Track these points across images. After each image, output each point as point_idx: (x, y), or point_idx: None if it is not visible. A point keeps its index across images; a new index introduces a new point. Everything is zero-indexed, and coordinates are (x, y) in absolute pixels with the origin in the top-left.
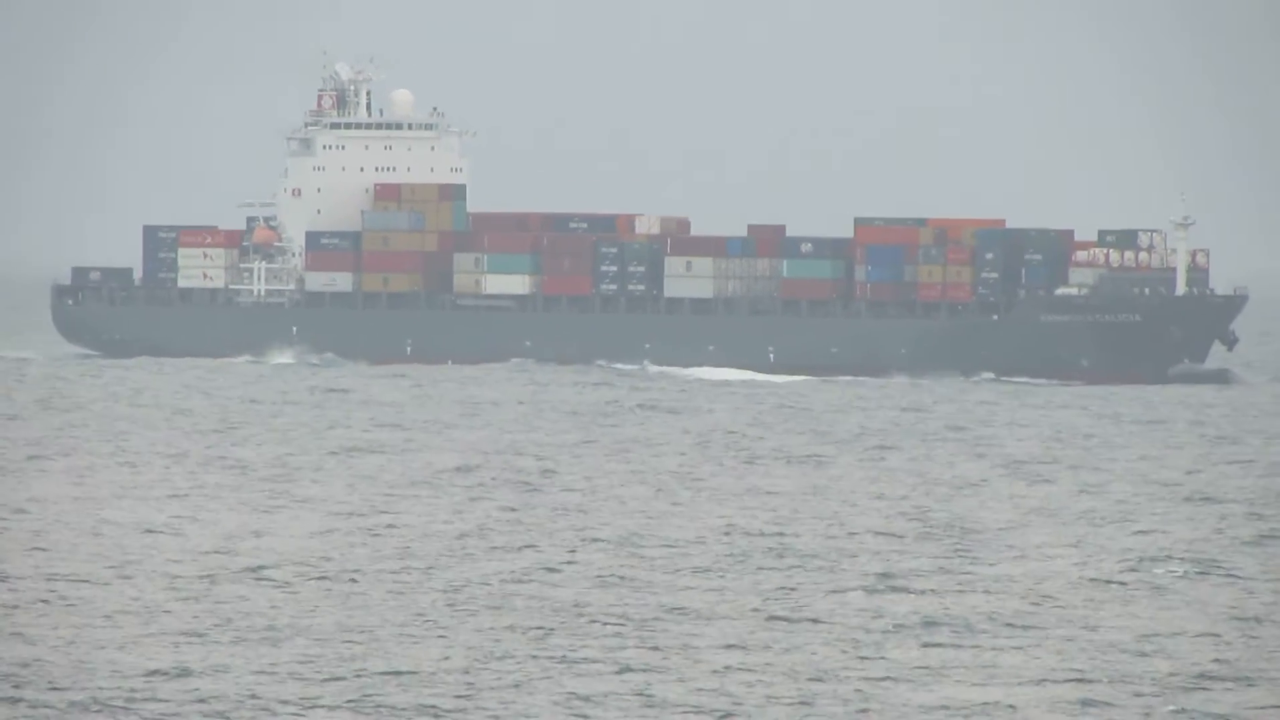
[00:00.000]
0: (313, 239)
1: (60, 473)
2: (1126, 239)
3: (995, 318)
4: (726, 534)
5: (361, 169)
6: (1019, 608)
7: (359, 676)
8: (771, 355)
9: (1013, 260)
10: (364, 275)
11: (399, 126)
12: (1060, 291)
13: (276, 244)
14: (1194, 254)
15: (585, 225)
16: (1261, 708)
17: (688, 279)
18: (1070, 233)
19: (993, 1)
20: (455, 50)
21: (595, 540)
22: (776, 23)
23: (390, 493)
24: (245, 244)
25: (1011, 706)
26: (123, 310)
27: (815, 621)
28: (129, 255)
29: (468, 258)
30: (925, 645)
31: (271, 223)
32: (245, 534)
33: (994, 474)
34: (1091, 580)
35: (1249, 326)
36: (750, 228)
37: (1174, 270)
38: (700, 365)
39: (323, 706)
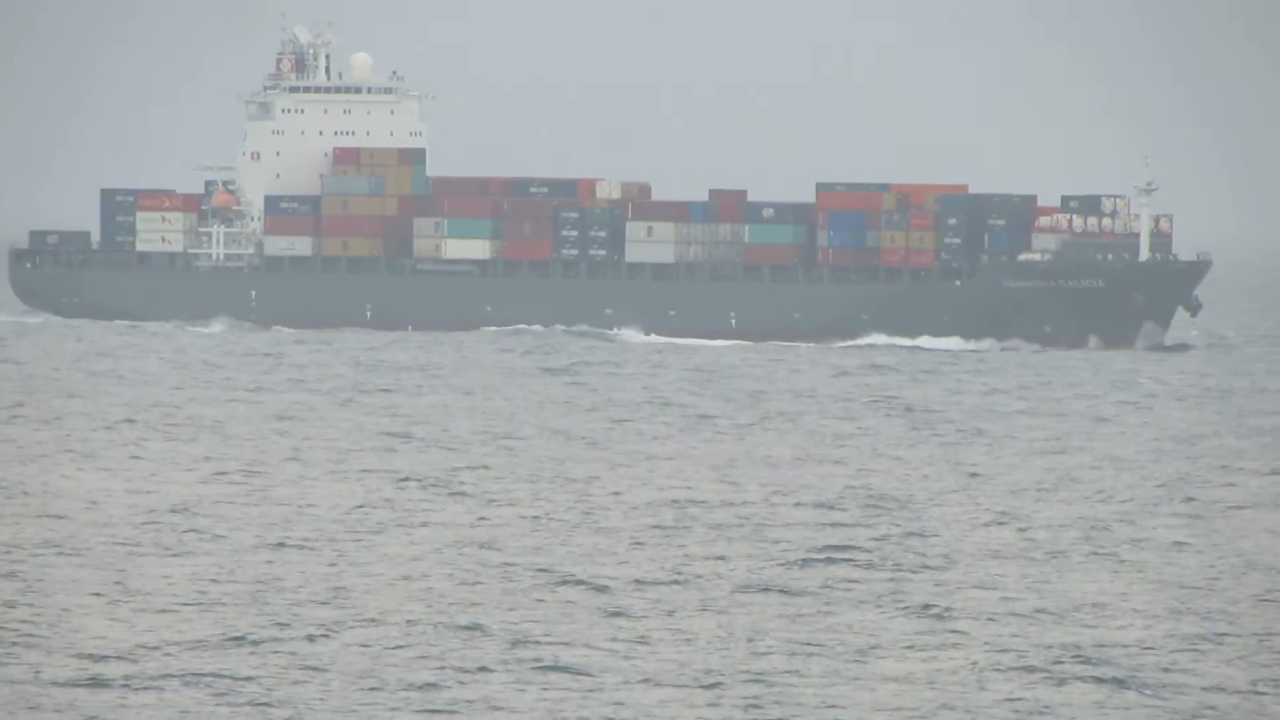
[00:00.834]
0: (271, 203)
1: None
2: (1090, 205)
3: (958, 283)
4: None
5: (320, 133)
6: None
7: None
8: (733, 321)
9: (976, 226)
10: (323, 240)
11: (358, 90)
12: (1023, 257)
13: (235, 208)
14: (1157, 220)
15: (546, 190)
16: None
17: (649, 244)
18: (1033, 198)
19: None
20: (414, 13)
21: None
22: None
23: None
24: (204, 208)
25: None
26: (81, 274)
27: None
28: (87, 219)
29: (427, 222)
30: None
31: (230, 186)
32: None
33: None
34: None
35: (1214, 293)
36: (712, 193)
37: (1137, 236)
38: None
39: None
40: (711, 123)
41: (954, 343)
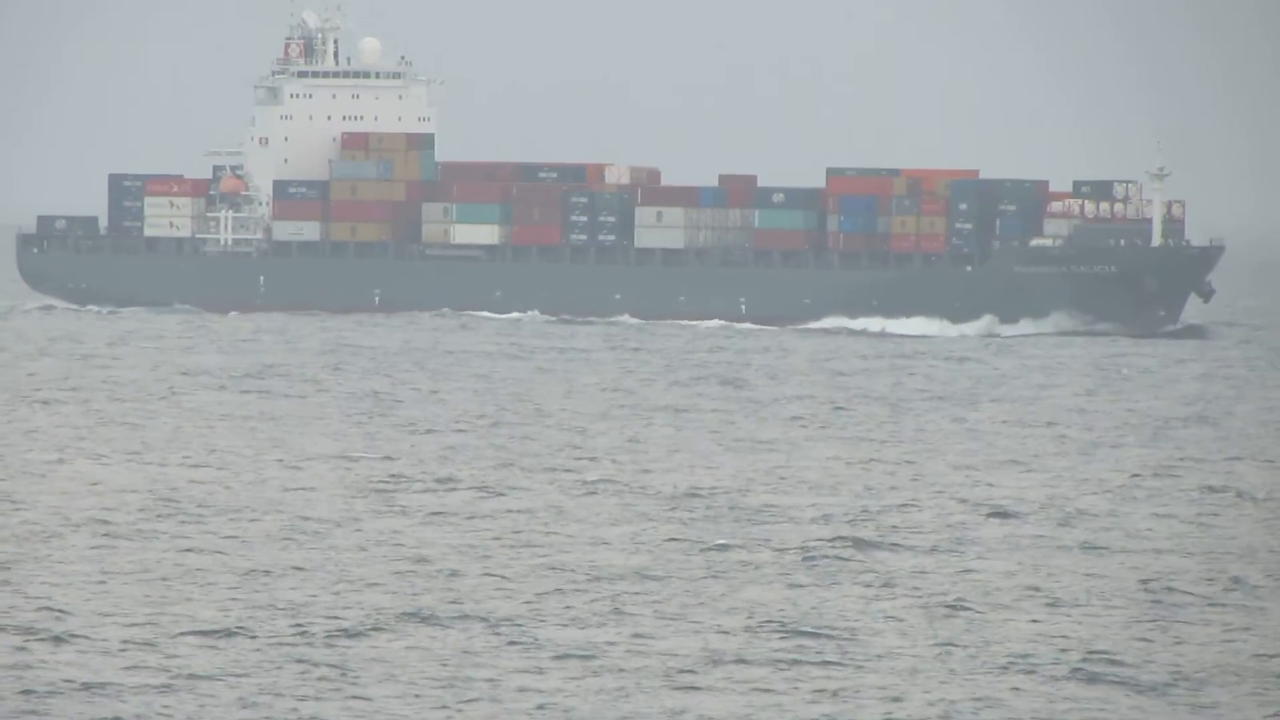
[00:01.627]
0: (280, 188)
1: None
2: (1102, 190)
3: (969, 269)
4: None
5: (329, 118)
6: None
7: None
8: (743, 306)
9: (987, 211)
10: (331, 225)
11: (367, 75)
12: (1035, 243)
13: (243, 193)
14: (1169, 205)
15: (555, 175)
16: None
17: (659, 229)
18: (1045, 183)
19: None
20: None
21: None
22: None
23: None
24: (212, 193)
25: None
26: (88, 259)
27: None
28: (95, 204)
29: (436, 207)
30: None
31: (238, 172)
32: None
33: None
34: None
35: (1227, 279)
36: (721, 178)
37: (1149, 221)
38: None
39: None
40: (720, 109)
41: (966, 327)
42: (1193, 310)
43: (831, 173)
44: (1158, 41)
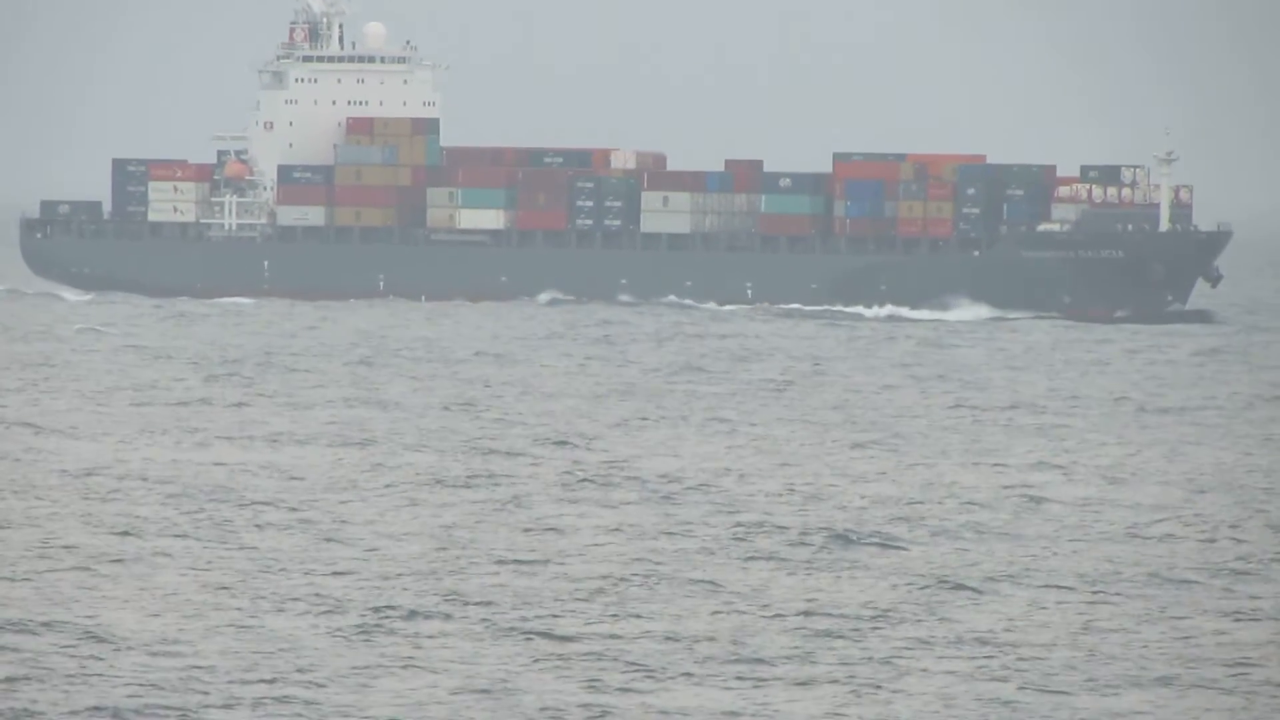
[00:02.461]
0: (285, 173)
1: None
2: (1109, 175)
3: (976, 254)
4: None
5: (334, 102)
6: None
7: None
8: (749, 291)
9: (994, 196)
10: (336, 210)
11: (371, 60)
12: (1042, 228)
13: (248, 178)
14: (1177, 190)
15: (560, 160)
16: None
17: (665, 214)
18: (1052, 168)
19: None
20: None
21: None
22: None
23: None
24: (216, 177)
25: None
26: (92, 244)
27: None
28: (98, 188)
29: (441, 192)
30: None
31: (243, 156)
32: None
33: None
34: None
35: (1236, 263)
36: (728, 163)
37: (1157, 206)
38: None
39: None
40: (727, 93)
41: (974, 312)
42: (1203, 296)
43: (838, 158)
44: (1167, 25)
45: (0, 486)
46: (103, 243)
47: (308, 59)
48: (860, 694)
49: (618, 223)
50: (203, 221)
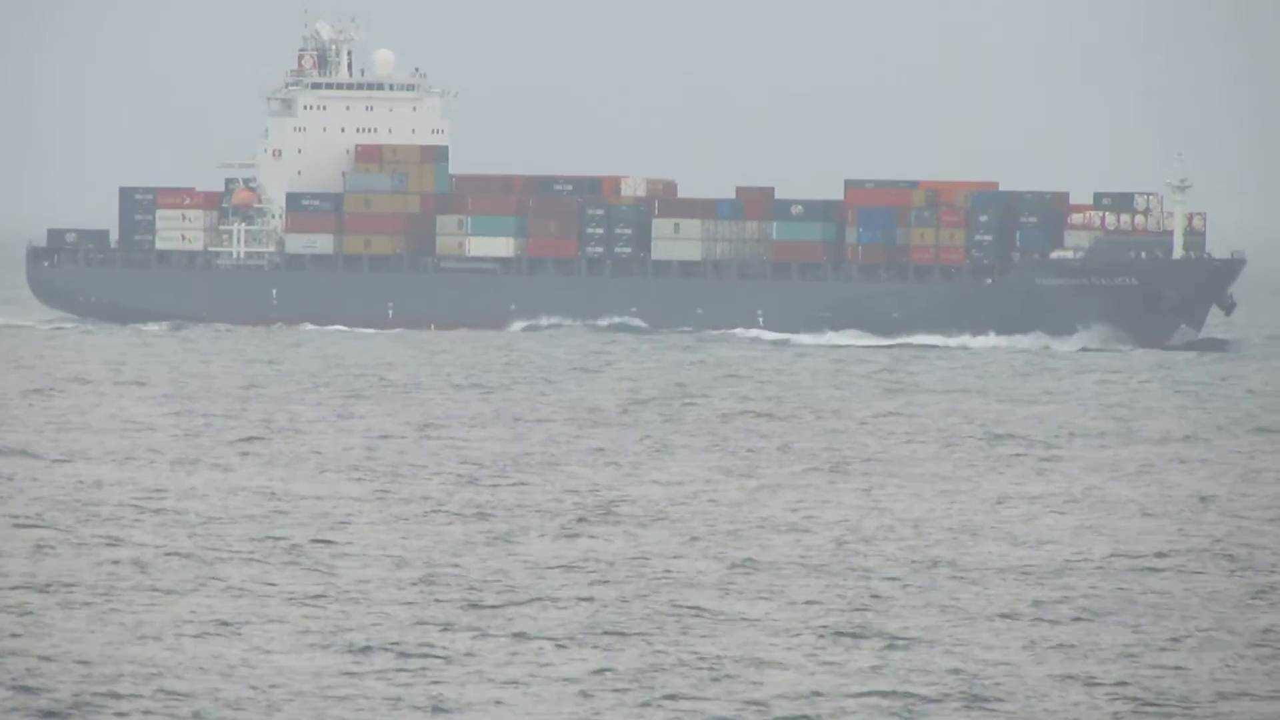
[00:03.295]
0: (293, 200)
1: None
2: (1122, 202)
3: (989, 281)
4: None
5: (342, 130)
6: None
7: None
8: (761, 319)
9: (1007, 223)
10: (345, 237)
11: (380, 87)
12: (1055, 255)
13: (256, 205)
14: (1190, 217)
15: (570, 187)
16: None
17: (676, 241)
18: (1065, 195)
19: None
20: (437, 9)
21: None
22: None
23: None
24: (224, 205)
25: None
26: (99, 272)
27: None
28: (105, 217)
29: (451, 220)
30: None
31: (251, 184)
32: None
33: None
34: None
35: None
36: (739, 189)
37: (1170, 233)
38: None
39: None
40: (737, 120)
41: (986, 340)
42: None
43: (850, 184)
44: (1180, 51)
45: None
46: (110, 271)
47: (316, 86)
48: None
49: (628, 250)
50: (211, 250)
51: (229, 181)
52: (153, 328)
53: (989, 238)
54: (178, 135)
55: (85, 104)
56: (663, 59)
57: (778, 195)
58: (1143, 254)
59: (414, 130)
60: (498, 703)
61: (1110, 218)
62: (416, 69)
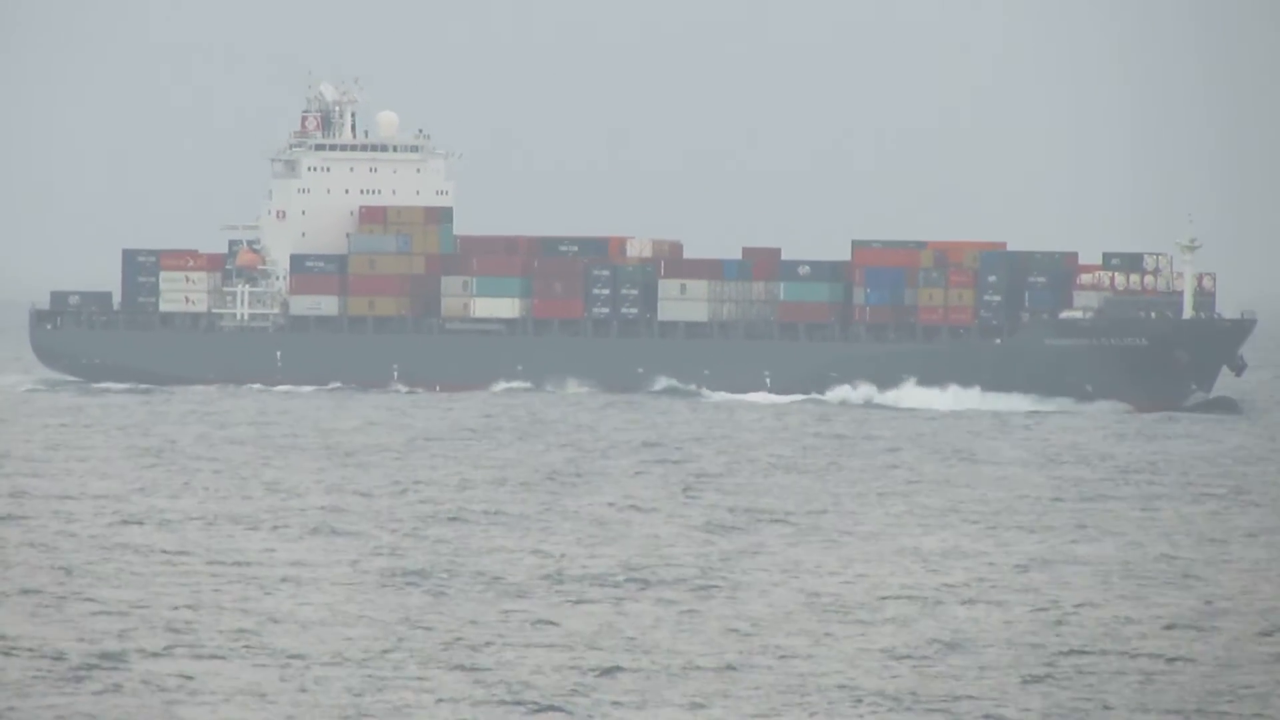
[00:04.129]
0: (297, 262)
1: None
2: (1132, 262)
3: (998, 341)
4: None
5: (347, 191)
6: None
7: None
8: (768, 380)
9: (1016, 283)
10: (350, 299)
11: (384, 148)
12: (1064, 315)
13: (260, 267)
14: (1200, 277)
15: (575, 248)
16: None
17: (682, 302)
18: (1074, 255)
19: (993, 21)
20: (441, 71)
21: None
22: (757, 44)
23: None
24: (228, 267)
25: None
26: (102, 334)
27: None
28: (108, 279)
29: (455, 281)
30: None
31: (255, 245)
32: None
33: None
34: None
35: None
36: (745, 250)
37: (1180, 294)
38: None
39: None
40: (743, 181)
41: (995, 401)
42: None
43: (857, 245)
44: (1188, 112)
45: None
46: (113, 334)
47: (320, 147)
48: None
49: (634, 311)
50: (214, 311)
51: (233, 243)
52: (115, 387)
53: (998, 298)
54: (181, 197)
55: (89, 166)
56: (664, 121)
57: (784, 256)
58: (1153, 314)
59: (418, 191)
60: None
61: (1120, 278)
62: (420, 130)
